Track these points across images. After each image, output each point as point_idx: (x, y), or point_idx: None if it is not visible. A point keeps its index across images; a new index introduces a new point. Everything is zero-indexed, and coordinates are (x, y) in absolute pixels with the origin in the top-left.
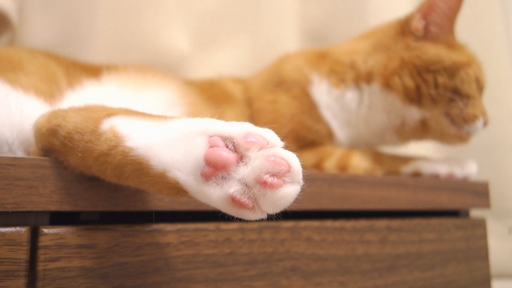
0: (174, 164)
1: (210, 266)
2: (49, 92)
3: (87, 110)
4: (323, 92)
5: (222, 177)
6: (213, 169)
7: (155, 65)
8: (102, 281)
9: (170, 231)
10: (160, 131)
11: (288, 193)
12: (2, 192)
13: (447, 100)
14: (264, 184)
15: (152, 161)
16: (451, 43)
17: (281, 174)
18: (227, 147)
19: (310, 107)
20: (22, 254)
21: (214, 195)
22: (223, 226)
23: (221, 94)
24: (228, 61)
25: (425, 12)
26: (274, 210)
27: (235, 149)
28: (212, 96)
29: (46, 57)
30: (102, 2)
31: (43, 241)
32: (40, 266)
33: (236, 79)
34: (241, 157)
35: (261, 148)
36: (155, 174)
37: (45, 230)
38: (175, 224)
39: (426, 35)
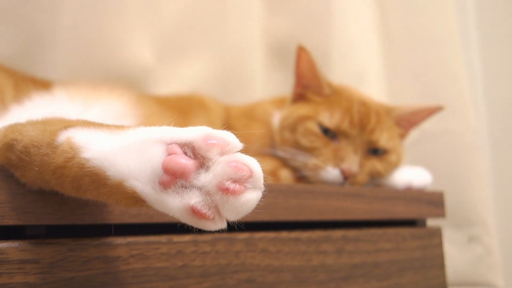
0: (131, 174)
1: (161, 280)
2: None
3: (44, 123)
4: None
5: (182, 186)
6: (172, 177)
7: (118, 78)
8: None
9: (119, 245)
10: (116, 141)
11: (250, 199)
12: None
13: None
14: (226, 191)
15: (109, 171)
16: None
17: (243, 180)
18: (186, 154)
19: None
20: None
21: (173, 204)
22: (176, 238)
23: (191, 104)
24: (193, 74)
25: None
26: (236, 217)
27: (195, 156)
28: (176, 107)
29: None
30: (63, 14)
31: None
32: None
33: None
34: (201, 164)
35: (222, 150)
36: (112, 185)
37: None
38: (125, 237)
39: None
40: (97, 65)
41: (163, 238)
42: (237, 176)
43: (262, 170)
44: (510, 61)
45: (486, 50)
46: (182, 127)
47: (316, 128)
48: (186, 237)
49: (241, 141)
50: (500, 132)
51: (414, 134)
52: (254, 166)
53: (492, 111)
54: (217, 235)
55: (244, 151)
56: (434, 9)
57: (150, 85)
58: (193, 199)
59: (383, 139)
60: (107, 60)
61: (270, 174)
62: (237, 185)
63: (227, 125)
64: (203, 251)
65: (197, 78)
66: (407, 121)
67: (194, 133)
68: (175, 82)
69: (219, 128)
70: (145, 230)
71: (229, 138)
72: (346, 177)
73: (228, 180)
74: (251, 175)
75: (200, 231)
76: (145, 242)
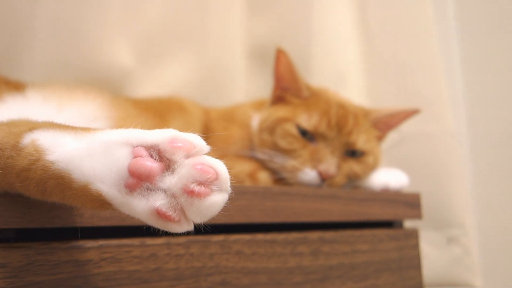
0: (96, 176)
1: (133, 283)
2: None
3: (9, 125)
4: None
5: (148, 188)
6: (137, 180)
7: (98, 80)
8: None
9: (90, 248)
10: (82, 143)
11: (216, 201)
12: None
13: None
14: (191, 193)
15: (74, 174)
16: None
17: (208, 183)
18: (151, 156)
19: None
20: None
21: (139, 207)
22: (149, 241)
23: (169, 107)
24: (173, 78)
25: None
26: (202, 219)
27: (160, 158)
28: (154, 109)
29: None
30: (41, 15)
31: None
32: None
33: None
34: (167, 167)
35: (188, 153)
36: (77, 188)
37: None
38: (97, 240)
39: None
40: (75, 66)
41: (135, 241)
42: (202, 179)
43: (229, 172)
44: (489, 63)
45: (465, 52)
46: (159, 129)
47: (294, 130)
48: (159, 240)
49: (221, 143)
50: (479, 134)
51: (393, 136)
52: (220, 168)
53: (471, 114)
54: (191, 238)
55: (223, 153)
56: (414, 10)
57: (129, 87)
58: (158, 201)
59: (361, 141)
60: (86, 61)
61: (249, 176)
62: (202, 188)
63: (207, 128)
64: (177, 254)
65: (177, 80)
66: (385, 123)
67: (160, 135)
68: (155, 84)
69: (198, 131)
70: (117, 233)
71: (195, 140)
72: (324, 178)
73: (193, 182)
74: (217, 178)
75: (171, 234)
76: (117, 245)
